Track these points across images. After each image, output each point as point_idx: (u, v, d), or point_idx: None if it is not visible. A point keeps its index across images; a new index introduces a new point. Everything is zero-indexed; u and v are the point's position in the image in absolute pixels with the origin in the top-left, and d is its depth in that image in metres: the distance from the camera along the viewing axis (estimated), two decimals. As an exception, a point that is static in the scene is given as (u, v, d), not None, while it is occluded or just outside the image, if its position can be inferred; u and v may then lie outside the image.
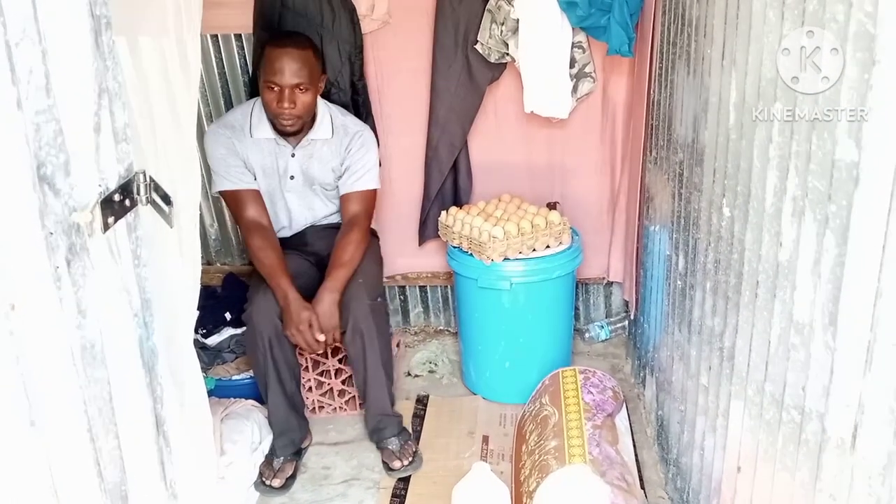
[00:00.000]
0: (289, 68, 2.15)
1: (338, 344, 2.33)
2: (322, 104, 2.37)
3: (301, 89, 2.18)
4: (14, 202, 0.70)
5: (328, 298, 2.21)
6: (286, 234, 2.50)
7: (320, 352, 2.35)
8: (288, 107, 2.18)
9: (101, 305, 0.83)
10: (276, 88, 2.17)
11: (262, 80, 2.20)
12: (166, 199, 0.94)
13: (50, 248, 0.73)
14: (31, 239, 0.71)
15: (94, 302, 0.81)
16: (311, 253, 2.47)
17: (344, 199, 2.39)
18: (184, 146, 1.57)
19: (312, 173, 2.39)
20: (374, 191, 2.41)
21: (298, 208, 2.47)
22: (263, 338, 2.19)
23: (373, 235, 2.58)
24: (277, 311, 2.20)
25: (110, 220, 0.84)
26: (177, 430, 1.05)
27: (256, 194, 2.32)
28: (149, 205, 0.92)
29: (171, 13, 1.51)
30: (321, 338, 2.20)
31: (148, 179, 0.91)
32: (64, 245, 0.75)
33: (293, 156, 2.36)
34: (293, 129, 2.27)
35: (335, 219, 2.52)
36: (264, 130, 2.31)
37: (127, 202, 0.88)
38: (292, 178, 2.39)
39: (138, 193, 0.90)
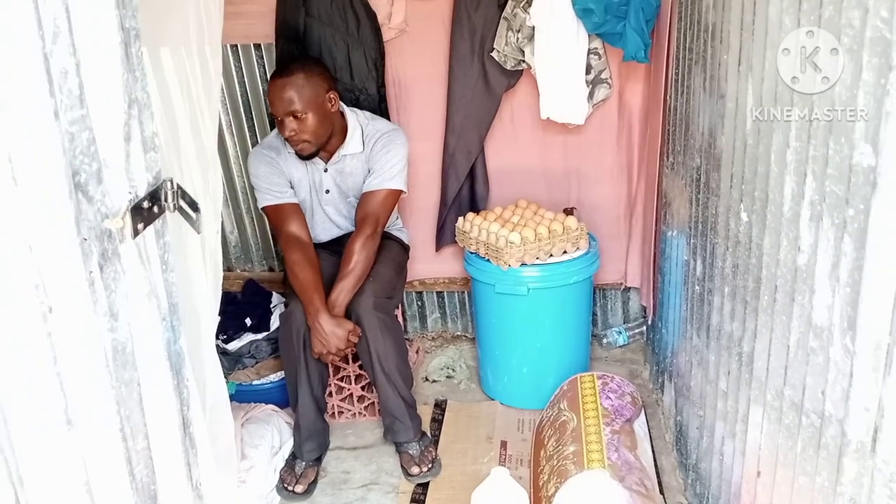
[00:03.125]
0: (278, 98, 2.18)
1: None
2: (353, 117, 2.38)
3: (297, 116, 2.20)
4: (52, 209, 0.73)
5: (317, 321, 2.19)
6: (325, 238, 2.54)
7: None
8: (290, 133, 2.22)
9: (132, 309, 0.86)
10: (277, 119, 2.23)
11: None
12: (193, 206, 0.97)
13: (84, 254, 0.76)
14: (68, 245, 0.74)
15: (125, 306, 0.84)
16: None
17: (361, 198, 2.39)
18: (205, 155, 1.61)
19: (347, 186, 2.43)
20: (395, 192, 2.38)
21: (337, 217, 2.51)
22: (299, 336, 2.21)
23: (399, 244, 2.60)
24: None
25: (140, 226, 0.87)
26: (202, 432, 1.07)
27: (297, 208, 2.37)
28: (176, 211, 0.95)
29: (193, 24, 1.54)
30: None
31: (175, 187, 0.94)
32: (97, 251, 0.78)
33: (325, 171, 2.40)
34: (308, 153, 2.30)
35: None
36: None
37: (155, 209, 0.90)
38: (328, 191, 2.44)
39: (166, 200, 0.93)
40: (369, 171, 2.39)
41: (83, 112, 0.75)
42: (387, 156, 2.35)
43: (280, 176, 2.35)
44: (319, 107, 2.24)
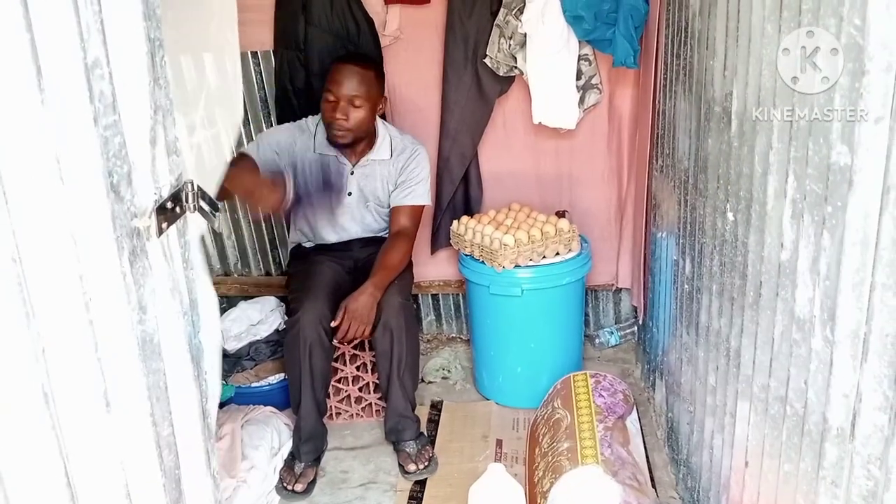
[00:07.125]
0: (347, 81, 2.27)
1: (366, 338, 2.39)
2: (382, 126, 2.48)
3: (355, 104, 2.30)
4: (92, 208, 0.78)
5: (369, 293, 2.29)
6: (333, 239, 2.59)
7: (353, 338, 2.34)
8: (340, 117, 2.30)
9: (158, 303, 0.91)
10: (332, 99, 2.29)
11: (324, 90, 2.32)
12: (213, 206, 1.02)
13: (118, 250, 0.81)
14: (105, 241, 0.79)
15: (152, 300, 0.89)
16: (349, 259, 2.55)
17: (394, 212, 2.50)
18: (221, 159, 1.65)
19: (369, 191, 2.50)
20: (423, 206, 2.53)
21: (350, 223, 2.56)
22: (306, 342, 2.24)
23: None
24: (324, 319, 2.27)
25: (164, 225, 0.92)
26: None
27: (256, 166, 2.29)
28: (196, 212, 1.00)
29: (213, 33, 1.58)
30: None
31: (196, 188, 0.99)
32: (127, 248, 0.83)
33: (352, 173, 2.47)
34: (343, 141, 2.37)
35: (385, 234, 2.61)
36: (326, 147, 2.43)
37: (177, 209, 0.96)
38: (350, 194, 2.50)
39: (187, 201, 0.98)
40: (396, 185, 2.48)
41: (115, 118, 0.81)
42: (420, 172, 2.49)
43: (276, 153, 2.37)
44: (373, 107, 2.36)
